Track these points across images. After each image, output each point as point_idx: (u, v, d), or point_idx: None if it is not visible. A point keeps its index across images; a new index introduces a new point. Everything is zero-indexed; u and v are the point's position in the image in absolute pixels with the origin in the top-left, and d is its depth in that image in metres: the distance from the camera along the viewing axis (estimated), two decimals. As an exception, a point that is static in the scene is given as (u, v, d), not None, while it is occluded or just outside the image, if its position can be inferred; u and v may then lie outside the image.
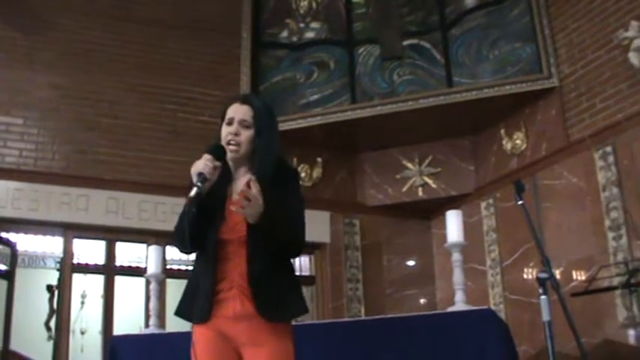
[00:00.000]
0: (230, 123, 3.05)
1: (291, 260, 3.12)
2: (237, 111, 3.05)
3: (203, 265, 3.00)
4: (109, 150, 7.79)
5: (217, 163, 2.91)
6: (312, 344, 4.12)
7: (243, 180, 3.05)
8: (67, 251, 7.69)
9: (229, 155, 3.01)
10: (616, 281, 6.34)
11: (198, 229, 2.94)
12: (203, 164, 2.87)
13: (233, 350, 2.95)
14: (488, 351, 4.01)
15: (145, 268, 5.70)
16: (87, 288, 10.64)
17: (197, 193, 2.83)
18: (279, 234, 2.90)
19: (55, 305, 8.94)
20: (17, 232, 7.89)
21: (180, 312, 3.09)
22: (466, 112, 8.07)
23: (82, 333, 10.93)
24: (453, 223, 4.92)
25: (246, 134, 3.02)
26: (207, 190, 2.89)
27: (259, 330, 2.89)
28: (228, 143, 3.01)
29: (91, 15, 8.12)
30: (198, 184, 2.83)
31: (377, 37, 8.63)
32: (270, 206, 2.85)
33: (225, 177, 3.02)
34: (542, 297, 3.29)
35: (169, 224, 7.90)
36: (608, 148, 6.80)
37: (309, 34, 8.97)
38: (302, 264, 8.61)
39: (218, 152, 2.96)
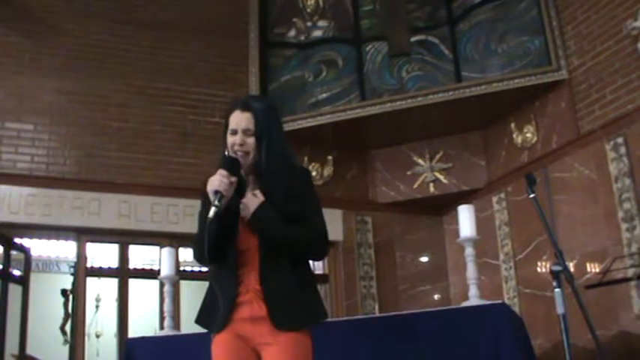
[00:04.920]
0: (234, 133, 3.05)
1: (309, 267, 3.14)
2: (240, 121, 3.04)
3: (223, 274, 3.02)
4: (119, 153, 7.81)
5: (233, 179, 2.92)
6: (327, 342, 4.11)
7: (251, 190, 3.07)
8: (81, 255, 7.71)
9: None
10: (630, 272, 6.32)
11: (219, 244, 2.94)
12: (219, 181, 2.88)
13: (251, 350, 2.98)
14: (503, 345, 4.00)
15: (159, 271, 5.72)
16: (101, 291, 10.69)
17: (216, 213, 2.82)
18: (276, 237, 2.96)
19: (69, 309, 9.00)
20: (31, 237, 7.95)
21: (199, 320, 3.13)
22: (476, 106, 8.04)
23: (98, 336, 10.99)
24: (465, 218, 4.91)
25: (251, 142, 3.02)
26: (225, 206, 2.90)
27: (276, 331, 2.90)
28: (235, 152, 3.03)
29: (96, 19, 8.12)
30: (216, 202, 2.83)
31: (384, 34, 8.62)
32: (263, 211, 2.95)
33: (238, 187, 3.02)
34: (557, 290, 3.29)
35: (182, 226, 7.97)
36: (620, 139, 6.77)
37: (317, 33, 8.95)
38: (315, 263, 8.60)
39: (233, 166, 2.97)
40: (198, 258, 3.06)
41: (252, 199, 2.98)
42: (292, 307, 2.94)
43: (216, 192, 2.85)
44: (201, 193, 3.02)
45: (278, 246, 2.95)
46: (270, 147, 3.02)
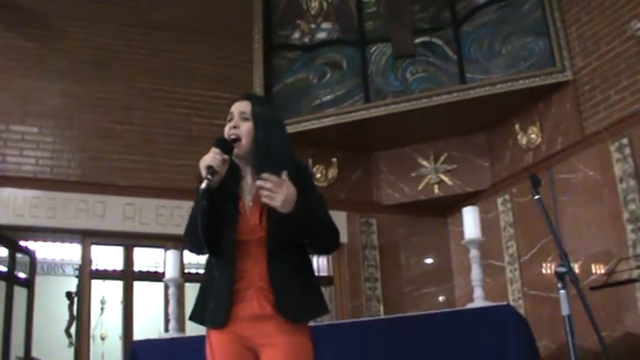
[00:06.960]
0: (231, 119, 3.08)
1: (311, 262, 3.11)
2: (237, 106, 3.10)
3: (220, 267, 2.95)
4: (124, 156, 7.82)
5: (225, 156, 2.90)
6: (332, 344, 4.12)
7: (251, 181, 3.03)
8: (86, 258, 7.72)
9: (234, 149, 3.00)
10: (635, 274, 6.30)
11: (211, 225, 2.90)
12: (212, 157, 2.86)
13: (250, 351, 2.93)
14: (508, 347, 4.01)
15: (164, 273, 5.73)
16: (106, 294, 10.69)
17: (207, 185, 2.81)
18: (315, 223, 2.92)
19: (74, 312, 9.01)
20: (35, 240, 7.94)
21: (194, 316, 3.07)
22: (480, 108, 8.03)
23: (103, 339, 10.99)
24: (470, 220, 4.91)
25: (245, 126, 3.02)
26: (217, 185, 2.87)
27: (277, 331, 2.87)
28: (230, 136, 3.02)
29: (101, 22, 8.15)
30: (208, 176, 2.81)
31: (389, 35, 8.62)
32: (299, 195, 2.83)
33: (234, 176, 3.01)
34: (562, 291, 3.27)
35: (186, 228, 7.86)
36: (625, 140, 6.75)
37: (321, 35, 8.96)
38: (320, 264, 8.61)
39: (226, 145, 2.95)
40: (191, 244, 3.01)
41: (285, 187, 2.79)
42: (300, 298, 2.91)
43: (209, 167, 2.84)
44: (197, 183, 3.01)
45: (308, 232, 2.93)
46: (266, 131, 3.01)
